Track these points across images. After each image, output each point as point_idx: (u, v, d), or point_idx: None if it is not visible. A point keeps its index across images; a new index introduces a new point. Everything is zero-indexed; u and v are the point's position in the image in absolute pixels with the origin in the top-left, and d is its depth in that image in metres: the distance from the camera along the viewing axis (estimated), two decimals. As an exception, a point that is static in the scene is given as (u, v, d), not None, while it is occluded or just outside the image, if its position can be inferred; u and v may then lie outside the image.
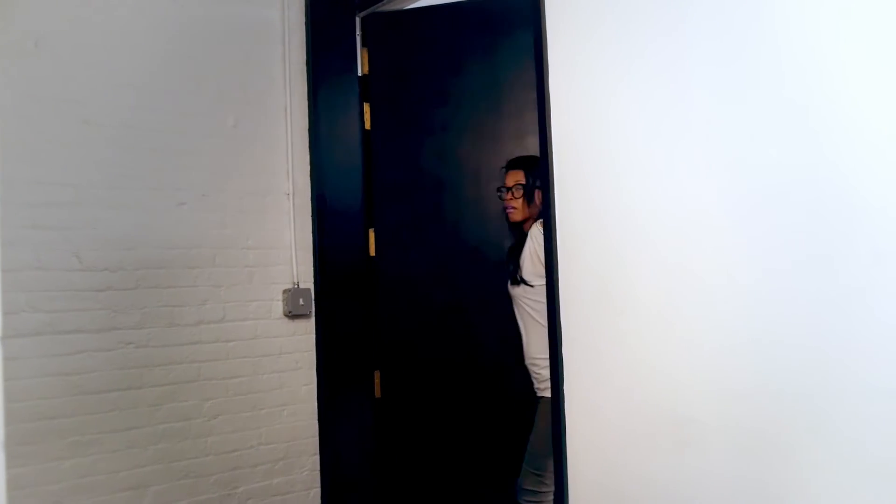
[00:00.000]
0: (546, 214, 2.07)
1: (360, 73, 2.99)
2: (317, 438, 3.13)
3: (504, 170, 2.89)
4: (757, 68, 1.62)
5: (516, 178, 2.83)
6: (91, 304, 2.56)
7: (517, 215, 2.84)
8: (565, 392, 2.02)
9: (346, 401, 3.08)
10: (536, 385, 2.78)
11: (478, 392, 3.14)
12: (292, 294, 3.05)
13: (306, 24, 3.21)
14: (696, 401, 1.74)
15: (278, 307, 3.05)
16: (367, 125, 3.20)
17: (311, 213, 3.16)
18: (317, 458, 3.12)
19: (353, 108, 3.09)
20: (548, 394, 2.49)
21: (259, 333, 2.98)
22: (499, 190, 2.90)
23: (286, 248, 3.09)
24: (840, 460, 1.49)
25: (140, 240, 2.69)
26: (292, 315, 3.06)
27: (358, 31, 2.96)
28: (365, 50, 3.12)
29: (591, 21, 1.96)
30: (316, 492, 3.11)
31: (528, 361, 2.82)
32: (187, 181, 2.82)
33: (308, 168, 3.18)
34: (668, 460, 1.79)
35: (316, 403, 3.14)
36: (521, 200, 2.80)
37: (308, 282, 3.14)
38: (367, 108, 3.18)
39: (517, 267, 2.83)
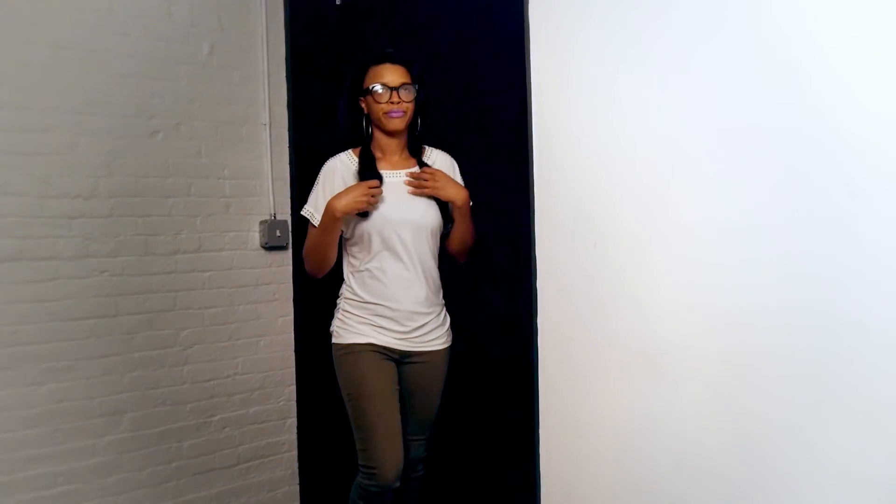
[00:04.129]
0: (525, 144, 2.05)
1: (338, 2, 2.93)
2: (293, 370, 3.16)
3: (372, 63, 2.32)
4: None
5: (401, 77, 2.29)
6: (64, 231, 2.54)
7: (401, 123, 2.30)
8: (538, 326, 2.04)
9: (323, 332, 3.10)
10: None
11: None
12: (269, 225, 3.04)
13: (284, -52, 3.13)
14: (669, 335, 1.77)
15: (255, 238, 3.04)
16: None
17: (288, 144, 3.13)
18: (293, 388, 3.16)
19: (333, 35, 3.03)
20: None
21: (235, 264, 2.98)
22: (376, 86, 2.26)
23: (263, 179, 3.06)
24: (816, 393, 1.52)
25: (113, 167, 2.65)
26: (269, 246, 3.06)
27: (337, -42, 2.88)
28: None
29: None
30: (292, 421, 3.16)
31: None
32: (161, 109, 2.77)
33: (286, 98, 3.14)
34: (639, 392, 1.82)
35: (293, 335, 3.16)
36: (411, 106, 2.29)
37: (285, 213, 3.13)
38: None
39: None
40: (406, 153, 2.38)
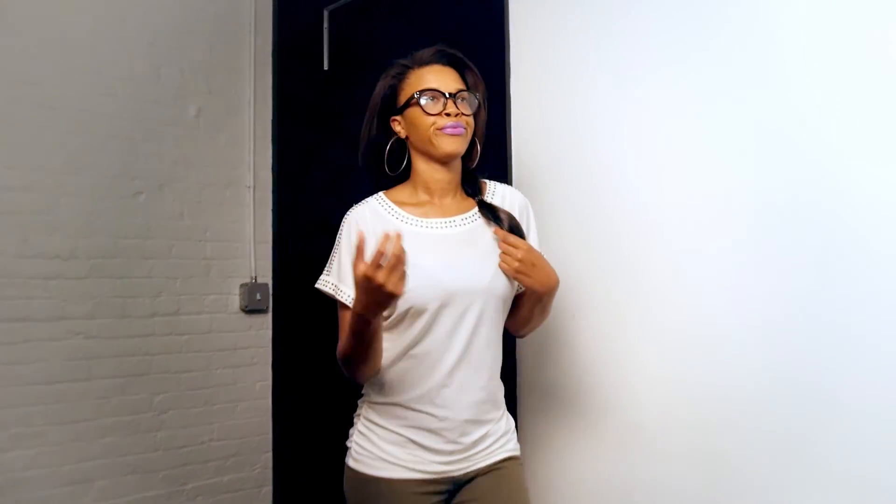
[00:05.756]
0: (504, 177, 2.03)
1: (326, 68, 2.96)
2: (270, 436, 3.09)
3: (413, 65, 1.61)
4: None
5: (455, 82, 1.58)
6: (40, 291, 2.50)
7: (461, 144, 1.56)
8: (518, 396, 2.02)
9: (302, 398, 3.04)
10: None
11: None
12: (250, 288, 3.01)
13: (274, 16, 3.18)
14: (649, 405, 1.75)
15: (235, 301, 3.00)
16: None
17: (271, 207, 3.13)
18: (269, 455, 3.08)
19: (318, 102, 3.05)
20: None
21: (214, 327, 2.94)
22: (425, 94, 1.55)
23: (245, 242, 3.05)
24: (794, 468, 1.50)
25: (93, 228, 2.63)
26: (249, 310, 3.02)
27: (325, 25, 2.92)
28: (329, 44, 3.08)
29: None
30: (268, 490, 3.07)
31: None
32: (145, 170, 2.76)
33: (270, 162, 3.14)
34: (618, 462, 1.80)
35: (270, 401, 3.10)
36: (471, 121, 1.59)
37: (266, 276, 3.10)
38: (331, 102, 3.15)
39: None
40: (460, 191, 1.63)
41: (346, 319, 1.52)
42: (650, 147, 1.76)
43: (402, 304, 1.46)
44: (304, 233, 3.04)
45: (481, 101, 1.61)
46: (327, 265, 1.61)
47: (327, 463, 2.97)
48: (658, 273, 1.73)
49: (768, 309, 1.54)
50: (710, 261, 1.65)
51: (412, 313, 1.49)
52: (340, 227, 1.61)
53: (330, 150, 2.95)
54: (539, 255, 1.55)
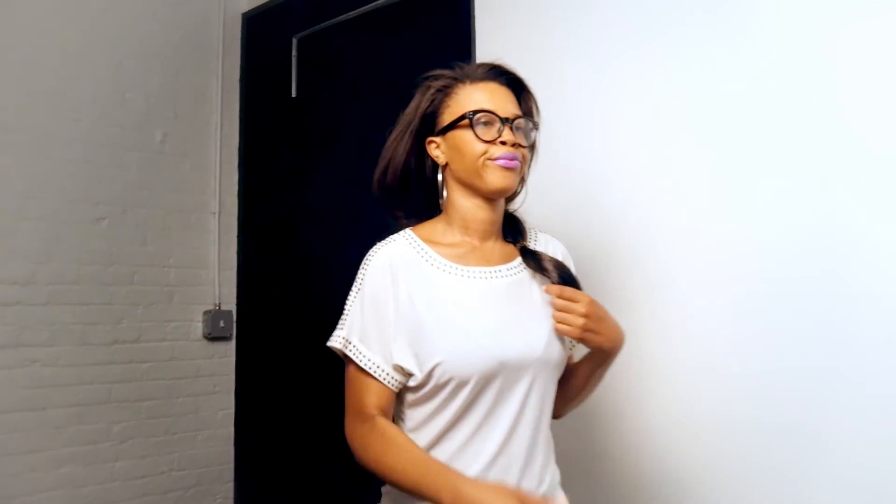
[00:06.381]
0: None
1: (294, 95, 2.96)
2: (232, 465, 3.04)
3: (464, 79, 1.33)
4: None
5: (513, 105, 1.32)
6: (-3, 318, 2.44)
7: (514, 180, 1.30)
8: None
9: (265, 428, 3.00)
10: None
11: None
12: (213, 315, 2.97)
13: (242, 42, 3.19)
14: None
15: (198, 328, 2.96)
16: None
17: (237, 234, 3.10)
18: (231, 485, 3.03)
19: (285, 129, 3.05)
20: None
21: (176, 355, 2.89)
22: (479, 115, 1.27)
23: (210, 268, 3.01)
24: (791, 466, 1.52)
25: (54, 253, 2.58)
26: (212, 337, 2.98)
27: (294, 52, 2.92)
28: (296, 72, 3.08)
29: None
30: (228, 521, 3.01)
31: None
32: (109, 195, 2.72)
33: (236, 188, 3.13)
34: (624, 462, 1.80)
35: (233, 429, 3.05)
36: (527, 155, 1.35)
37: (231, 303, 3.07)
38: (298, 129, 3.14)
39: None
40: (501, 236, 1.38)
41: (361, 385, 1.24)
42: (622, 153, 1.80)
43: (439, 374, 1.20)
44: (269, 260, 3.02)
45: (536, 132, 1.35)
46: (343, 317, 1.30)
47: (290, 493, 2.93)
48: (640, 274, 1.76)
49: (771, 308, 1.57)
50: (701, 256, 1.68)
51: (450, 387, 1.21)
52: (361, 270, 1.29)
53: (297, 178, 2.94)
54: (603, 308, 1.29)
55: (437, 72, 1.35)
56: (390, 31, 2.63)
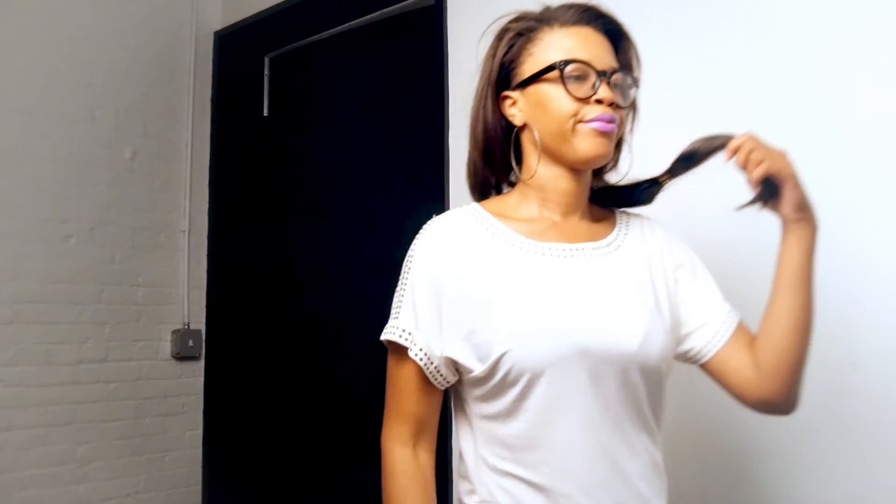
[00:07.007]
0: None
1: (265, 114, 2.96)
2: (200, 487, 2.99)
3: (550, 21, 1.09)
4: None
5: (610, 56, 1.08)
6: (-41, 338, 2.39)
7: (609, 147, 1.06)
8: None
9: (234, 449, 2.97)
10: None
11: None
12: (182, 335, 2.95)
13: (214, 61, 3.18)
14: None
15: (166, 348, 2.93)
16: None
17: (206, 252, 3.08)
18: (199, 508, 2.98)
19: (256, 148, 3.05)
20: None
21: (143, 375, 2.85)
22: (570, 67, 1.03)
23: (179, 287, 2.99)
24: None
25: (20, 271, 2.54)
26: (180, 357, 2.95)
27: (266, 72, 2.93)
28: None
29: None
30: (196, 545, 2.97)
31: None
32: (77, 213, 2.69)
33: (207, 206, 3.11)
34: None
35: (201, 451, 3.01)
36: (625, 116, 1.11)
37: (200, 323, 3.04)
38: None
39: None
40: (589, 210, 1.15)
41: (408, 380, 1.07)
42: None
43: (505, 363, 0.98)
44: (239, 279, 3.00)
45: (637, 89, 1.11)
46: (394, 307, 1.10)
47: (260, 515, 2.90)
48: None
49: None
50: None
51: (522, 378, 0.98)
52: (411, 250, 1.10)
53: (268, 197, 2.94)
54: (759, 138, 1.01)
55: (516, 14, 1.12)
56: (363, 52, 2.65)
